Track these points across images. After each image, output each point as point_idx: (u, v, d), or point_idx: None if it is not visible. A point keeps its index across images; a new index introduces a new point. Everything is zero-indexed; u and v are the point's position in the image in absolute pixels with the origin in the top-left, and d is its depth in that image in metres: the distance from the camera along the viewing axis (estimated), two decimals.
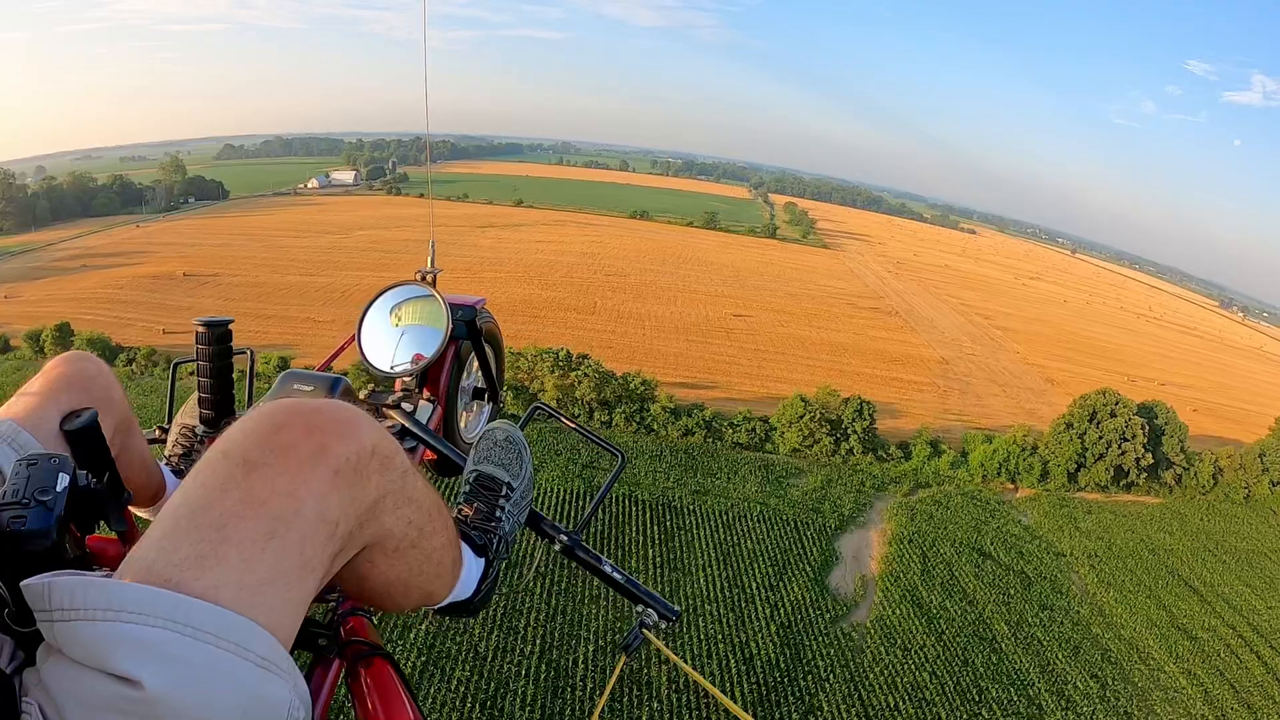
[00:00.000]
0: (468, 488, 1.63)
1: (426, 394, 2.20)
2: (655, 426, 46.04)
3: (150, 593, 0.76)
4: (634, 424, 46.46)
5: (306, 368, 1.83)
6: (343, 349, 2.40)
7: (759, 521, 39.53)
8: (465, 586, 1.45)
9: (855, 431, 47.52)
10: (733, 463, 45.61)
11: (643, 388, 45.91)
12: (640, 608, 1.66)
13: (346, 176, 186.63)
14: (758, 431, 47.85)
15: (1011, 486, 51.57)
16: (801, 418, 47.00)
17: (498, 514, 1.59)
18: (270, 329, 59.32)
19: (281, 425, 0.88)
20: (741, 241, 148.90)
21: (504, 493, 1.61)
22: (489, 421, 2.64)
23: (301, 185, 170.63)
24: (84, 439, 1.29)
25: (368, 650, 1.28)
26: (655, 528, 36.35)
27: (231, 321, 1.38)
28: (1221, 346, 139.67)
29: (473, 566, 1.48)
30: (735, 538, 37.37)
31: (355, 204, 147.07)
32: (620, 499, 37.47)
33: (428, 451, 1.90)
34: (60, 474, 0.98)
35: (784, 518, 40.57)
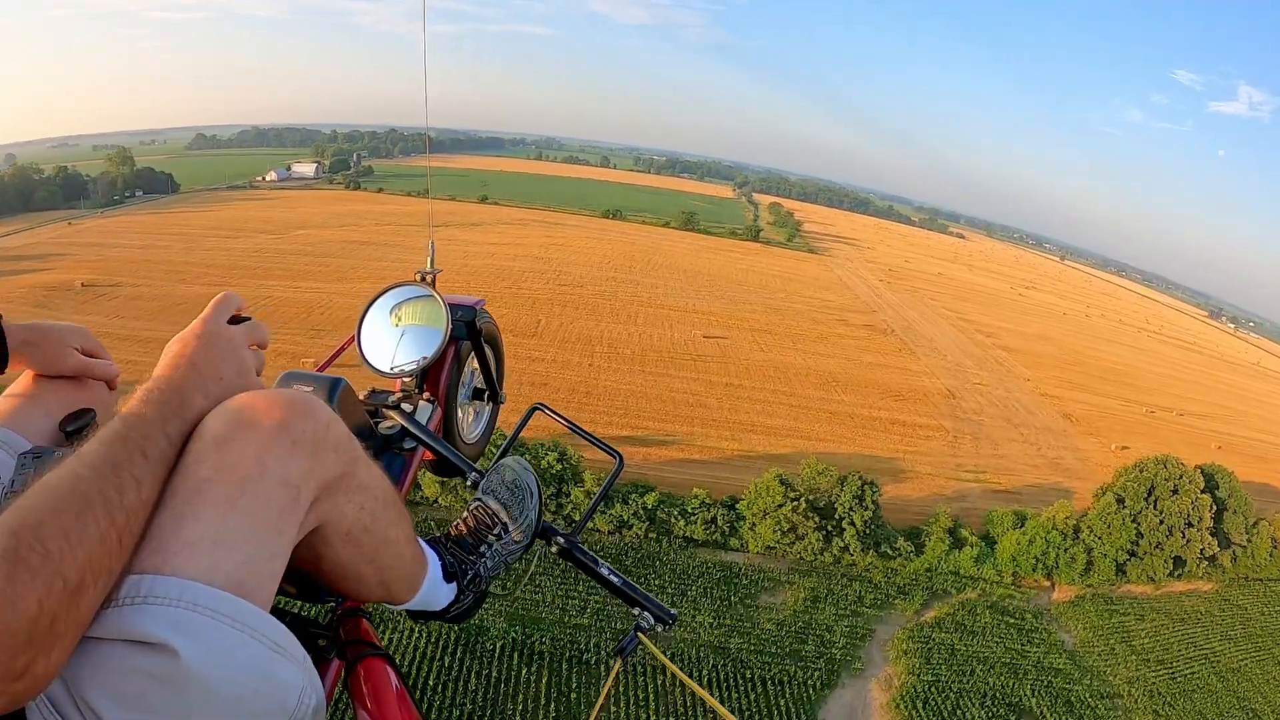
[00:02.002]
0: (465, 514, 1.63)
1: (426, 394, 2.12)
2: (577, 518, 34.03)
3: (168, 580, 0.84)
4: (548, 515, 34.14)
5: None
6: (342, 349, 2.33)
7: (711, 683, 27.44)
8: (434, 598, 1.47)
9: (854, 524, 35.79)
10: (682, 573, 33.75)
11: (560, 465, 33.74)
12: (636, 611, 1.63)
13: (307, 169, 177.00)
14: (719, 524, 35.84)
15: (1047, 583, 40.54)
16: (780, 507, 35.11)
17: (481, 549, 1.58)
18: (146, 356, 47.15)
19: (246, 407, 0.99)
20: (721, 245, 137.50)
21: (497, 531, 1.60)
22: (490, 422, 2.65)
23: (259, 178, 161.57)
24: (84, 439, 1.24)
25: (367, 651, 1.30)
26: (551, 703, 24.25)
27: (250, 319, 1.28)
28: (1222, 363, 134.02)
29: (440, 587, 1.49)
30: (672, 719, 25.54)
31: (308, 199, 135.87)
32: (508, 648, 25.64)
33: (427, 451, 1.89)
34: None
35: (748, 671, 28.75)
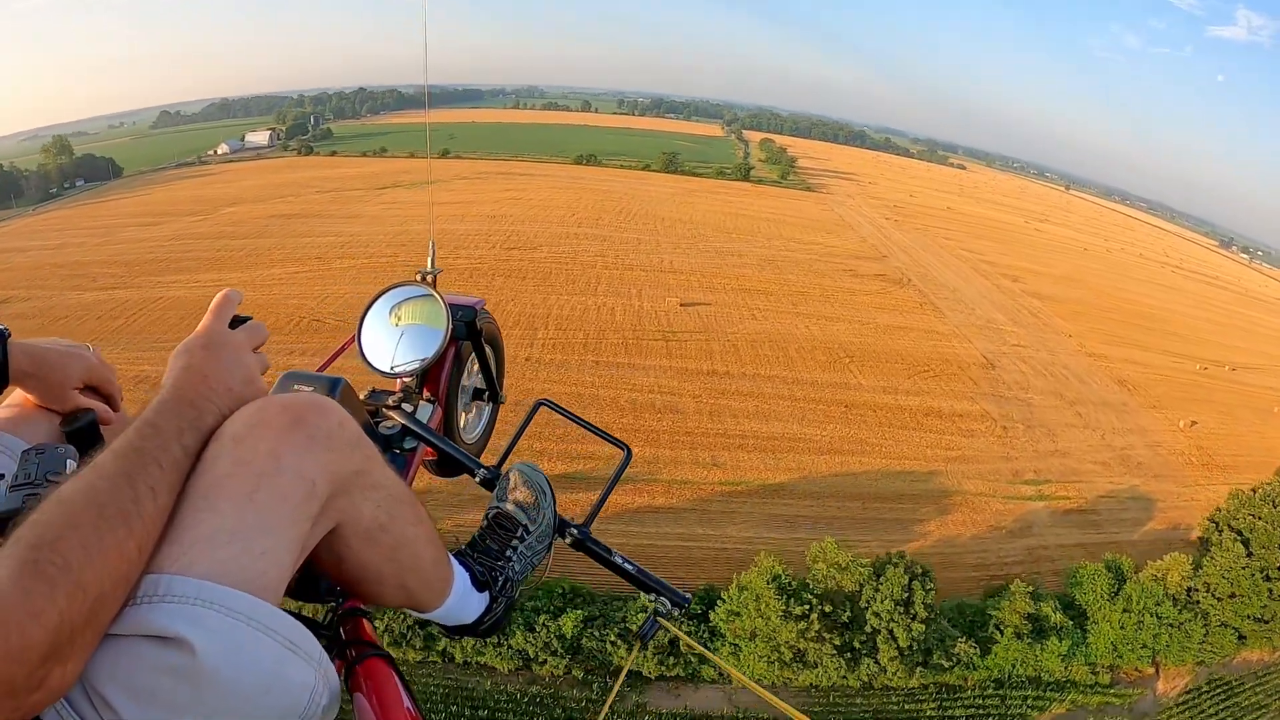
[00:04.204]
0: (485, 523, 1.67)
1: (426, 394, 2.13)
2: (457, 652, 21.13)
3: (185, 580, 0.87)
4: (415, 647, 21.33)
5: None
6: (343, 349, 2.34)
7: None
8: (463, 610, 1.51)
9: (894, 640, 22.99)
10: None
11: None
12: (652, 596, 1.70)
13: (261, 138, 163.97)
14: (683, 646, 22.62)
15: (1150, 670, 28.94)
16: (778, 628, 22.15)
17: (508, 553, 1.62)
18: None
19: (261, 408, 1.04)
20: (707, 186, 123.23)
21: (519, 534, 1.64)
22: (489, 422, 2.64)
23: (211, 152, 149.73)
24: (83, 440, 1.29)
25: (368, 651, 1.30)
26: None
27: (250, 319, 1.34)
28: (1250, 300, 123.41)
29: (472, 597, 1.54)
30: None
31: (254, 170, 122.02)
32: None
33: (427, 450, 1.95)
34: (68, 460, 1.05)
35: None
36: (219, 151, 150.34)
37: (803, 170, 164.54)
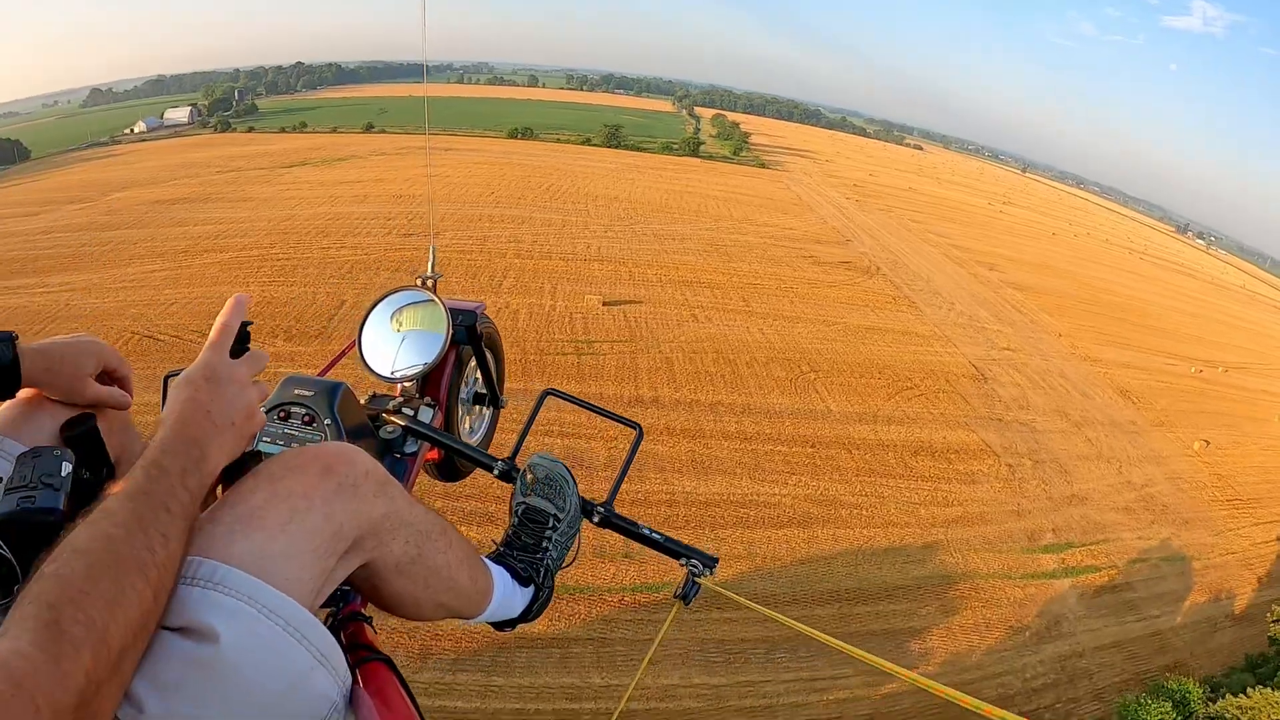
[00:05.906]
0: (516, 520, 1.75)
1: (427, 398, 2.15)
2: None
3: (237, 574, 0.90)
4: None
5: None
6: (343, 354, 2.40)
7: None
8: (509, 608, 1.61)
9: None
10: None
11: None
12: (683, 561, 1.80)
13: (181, 115, 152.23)
14: None
15: None
16: None
17: (544, 544, 1.71)
18: None
19: (296, 455, 1.09)
20: (652, 162, 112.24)
21: (550, 524, 1.73)
22: (490, 426, 2.71)
23: (126, 130, 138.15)
24: (85, 444, 1.30)
25: (368, 655, 1.31)
26: None
27: (252, 324, 1.35)
28: (1217, 289, 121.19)
29: (516, 594, 1.62)
30: None
31: (161, 150, 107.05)
32: None
33: (429, 454, 2.04)
34: (63, 462, 1.08)
35: None
36: (135, 130, 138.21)
37: (756, 147, 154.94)
